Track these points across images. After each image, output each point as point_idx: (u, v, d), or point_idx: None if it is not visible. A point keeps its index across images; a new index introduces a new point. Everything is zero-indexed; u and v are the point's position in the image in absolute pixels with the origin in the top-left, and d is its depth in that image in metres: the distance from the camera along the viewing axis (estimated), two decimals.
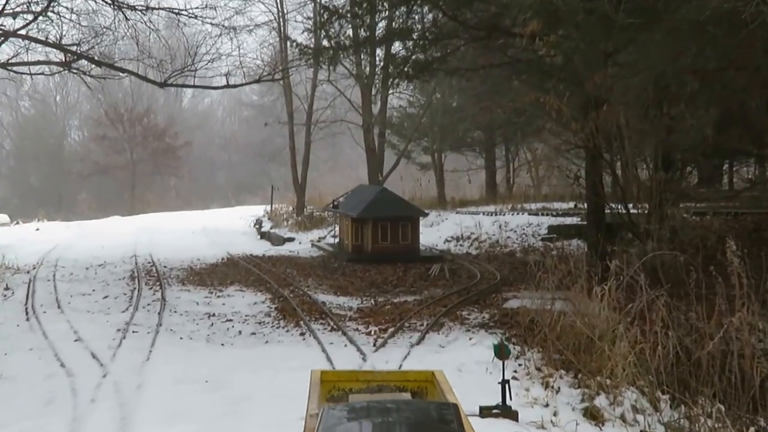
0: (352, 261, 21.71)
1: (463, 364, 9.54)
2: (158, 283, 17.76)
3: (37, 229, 38.15)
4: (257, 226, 34.84)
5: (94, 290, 17.28)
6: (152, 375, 9.38)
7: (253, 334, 12.11)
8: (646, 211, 15.81)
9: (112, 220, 45.56)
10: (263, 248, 27.36)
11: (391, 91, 34.10)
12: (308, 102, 35.85)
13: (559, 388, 8.59)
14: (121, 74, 26.26)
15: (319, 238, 28.99)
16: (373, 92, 30.78)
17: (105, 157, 60.38)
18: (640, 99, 13.35)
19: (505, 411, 7.48)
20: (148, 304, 14.81)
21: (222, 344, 11.42)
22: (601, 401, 8.15)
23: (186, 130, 66.41)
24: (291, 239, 29.65)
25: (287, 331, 12.25)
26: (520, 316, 11.72)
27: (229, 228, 36.17)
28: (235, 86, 24.16)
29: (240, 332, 12.25)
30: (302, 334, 11.96)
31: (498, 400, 7.50)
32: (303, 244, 28.06)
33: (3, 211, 49.82)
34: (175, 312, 13.99)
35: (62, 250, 27.87)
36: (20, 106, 68.18)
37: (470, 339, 10.97)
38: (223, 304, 15.09)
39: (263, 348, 11.09)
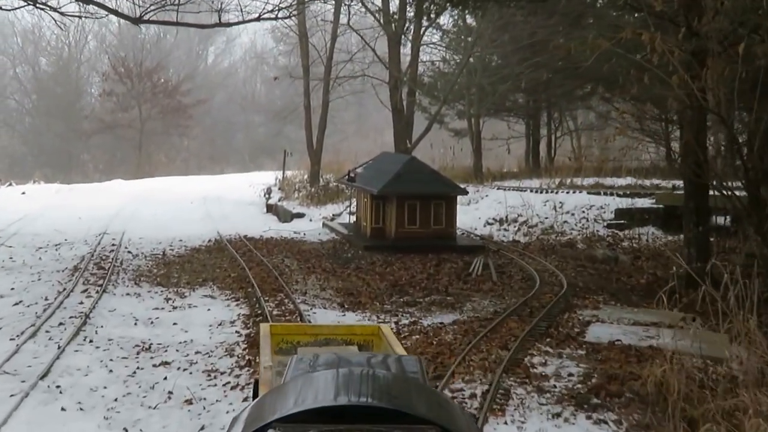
0: (371, 249, 17.34)
1: None
2: (102, 281, 12.98)
3: (23, 193, 35.31)
4: (267, 196, 30.10)
5: (13, 288, 12.73)
6: None
7: (189, 402, 7.17)
8: None
9: (111, 184, 41.93)
10: (266, 225, 22.79)
11: (423, 41, 29.01)
12: (326, 54, 30.67)
13: None
14: (99, 10, 21.96)
15: (333, 215, 24.35)
16: (402, 33, 25.53)
17: (111, 115, 55.91)
18: None
19: None
20: (61, 323, 9.99)
21: (125, 429, 6.56)
22: None
23: (206, 89, 61.75)
24: (300, 215, 25.22)
25: (247, 398, 7.31)
26: (642, 384, 6.75)
27: (234, 198, 31.85)
28: (228, 24, 19.31)
29: (170, 395, 7.34)
30: None
31: None
32: (314, 222, 23.48)
33: (15, 169, 46.37)
34: (91, 341, 9.17)
35: (29, 221, 23.71)
36: (39, 62, 63.89)
37: None
38: (175, 323, 10.26)
39: None
